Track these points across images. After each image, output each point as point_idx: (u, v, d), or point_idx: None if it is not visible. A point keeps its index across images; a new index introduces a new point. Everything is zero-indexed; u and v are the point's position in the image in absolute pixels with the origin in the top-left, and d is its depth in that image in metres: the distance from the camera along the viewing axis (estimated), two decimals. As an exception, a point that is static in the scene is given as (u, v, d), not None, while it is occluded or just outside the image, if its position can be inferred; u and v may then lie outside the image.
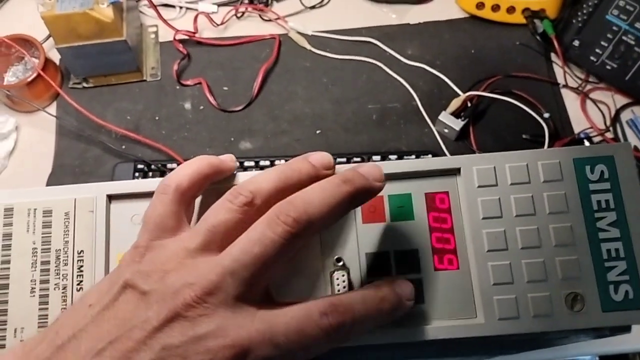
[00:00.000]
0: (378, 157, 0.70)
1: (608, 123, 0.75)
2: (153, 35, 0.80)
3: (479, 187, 0.37)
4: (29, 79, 0.72)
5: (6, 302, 0.37)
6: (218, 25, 0.81)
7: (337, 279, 0.37)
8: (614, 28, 0.73)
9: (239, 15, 0.82)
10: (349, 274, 0.37)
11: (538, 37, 0.77)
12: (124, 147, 0.73)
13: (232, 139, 0.74)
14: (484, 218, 0.37)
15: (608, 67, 0.74)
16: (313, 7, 0.83)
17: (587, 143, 0.72)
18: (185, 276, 0.30)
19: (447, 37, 0.80)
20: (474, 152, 0.72)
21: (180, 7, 0.83)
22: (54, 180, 0.71)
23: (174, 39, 0.79)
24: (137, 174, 0.70)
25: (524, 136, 0.74)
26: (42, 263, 0.37)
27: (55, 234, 0.37)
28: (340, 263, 0.37)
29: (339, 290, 0.37)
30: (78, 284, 0.37)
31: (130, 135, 0.73)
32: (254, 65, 0.78)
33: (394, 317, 0.33)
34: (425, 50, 0.79)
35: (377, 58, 0.78)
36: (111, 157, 0.73)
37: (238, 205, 0.31)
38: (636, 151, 0.69)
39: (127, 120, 0.75)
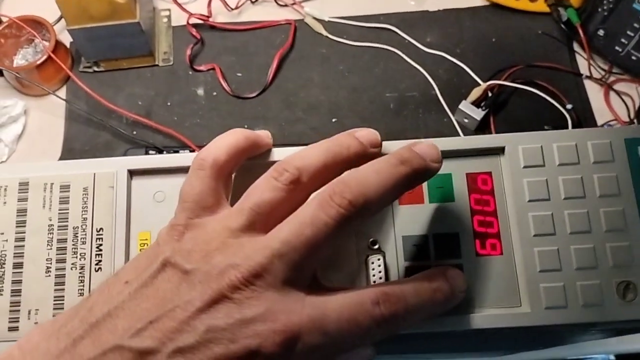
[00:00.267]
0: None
1: (632, 115, 0.73)
2: (166, 19, 0.78)
3: (525, 167, 0.35)
4: (39, 62, 0.70)
5: (20, 282, 0.34)
6: (232, 9, 0.79)
7: (372, 263, 0.35)
8: (642, 17, 0.71)
9: None
10: (384, 258, 0.35)
11: (563, 26, 0.75)
12: (135, 132, 0.71)
13: (246, 126, 0.72)
14: (530, 201, 0.35)
15: (634, 58, 0.72)
16: (329, -7, 0.81)
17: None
18: (230, 257, 0.28)
19: (468, 24, 0.78)
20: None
21: (194, -9, 0.80)
22: (62, 165, 0.69)
23: (187, 23, 0.77)
24: (148, 160, 0.68)
25: (545, 127, 0.71)
26: (59, 241, 0.35)
27: (73, 210, 0.35)
28: (376, 246, 0.35)
29: (374, 275, 0.34)
30: (96, 264, 0.35)
31: (142, 120, 0.70)
32: (268, 51, 0.76)
33: (445, 309, 0.32)
34: (445, 38, 0.77)
35: (395, 45, 0.76)
36: (122, 142, 0.71)
37: (284, 183, 0.30)
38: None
39: (138, 105, 0.73)
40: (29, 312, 0.34)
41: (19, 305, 0.34)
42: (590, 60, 0.74)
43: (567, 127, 0.70)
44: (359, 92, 0.74)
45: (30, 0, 0.79)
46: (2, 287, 0.34)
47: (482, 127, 0.71)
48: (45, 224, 0.35)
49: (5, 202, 0.36)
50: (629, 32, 0.71)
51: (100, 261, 0.35)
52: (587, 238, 0.34)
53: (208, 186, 0.31)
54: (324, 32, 0.77)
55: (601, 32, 0.73)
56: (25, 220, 0.35)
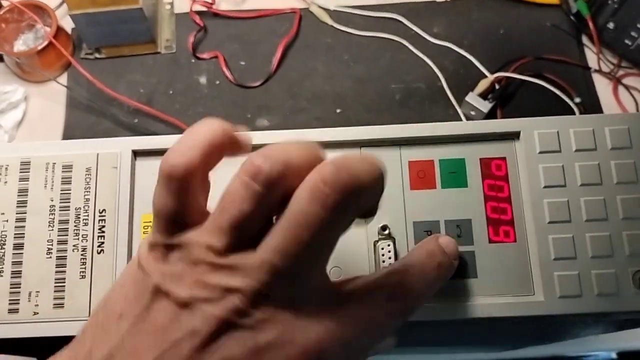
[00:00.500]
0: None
1: (640, 110, 0.72)
2: (169, 6, 0.77)
3: (541, 152, 0.34)
4: (40, 47, 0.69)
5: (20, 263, 0.33)
6: (236, -3, 0.78)
7: (382, 248, 0.34)
8: (653, 10, 0.70)
9: (258, -13, 0.79)
10: (394, 243, 0.34)
11: (572, 18, 0.74)
12: (136, 120, 0.70)
13: (249, 115, 0.71)
14: (545, 187, 0.34)
15: (643, 52, 0.71)
16: (335, -18, 0.80)
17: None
18: (225, 279, 0.25)
19: (476, 15, 0.77)
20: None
21: (197, -21, 0.79)
22: (62, 152, 0.68)
23: (191, 10, 0.76)
24: (149, 148, 0.67)
25: (553, 121, 0.71)
26: (60, 222, 0.34)
27: (75, 191, 0.34)
28: (386, 232, 0.34)
29: (383, 262, 0.34)
30: (99, 246, 0.34)
31: (143, 108, 0.69)
32: (273, 40, 0.75)
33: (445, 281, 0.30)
34: (452, 29, 0.76)
35: (401, 36, 0.75)
36: (123, 130, 0.70)
37: (263, 184, 0.25)
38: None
39: (139, 93, 0.72)
40: (30, 294, 0.33)
41: (19, 287, 0.33)
42: (599, 54, 0.73)
43: (574, 121, 0.69)
44: (364, 82, 0.73)
45: (32, -15, 0.78)
46: (2, 268, 0.33)
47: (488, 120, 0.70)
48: (46, 205, 0.34)
49: (6, 182, 0.35)
50: (639, 26, 0.70)
51: (102, 243, 0.34)
52: (603, 226, 0.33)
53: (182, 201, 0.27)
54: (330, 21, 0.76)
55: (611, 25, 0.72)
56: (26, 201, 0.34)
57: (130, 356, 0.25)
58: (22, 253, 0.33)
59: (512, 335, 0.50)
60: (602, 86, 0.73)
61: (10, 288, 0.33)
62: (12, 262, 0.33)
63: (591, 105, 0.72)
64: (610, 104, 0.72)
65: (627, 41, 0.72)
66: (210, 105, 0.72)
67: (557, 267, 0.33)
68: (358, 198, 0.25)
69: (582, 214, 0.34)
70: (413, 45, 0.75)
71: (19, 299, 0.33)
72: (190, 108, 0.71)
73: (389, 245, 0.34)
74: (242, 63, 0.74)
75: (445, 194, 0.35)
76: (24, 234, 0.34)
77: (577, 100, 0.70)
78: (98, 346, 0.26)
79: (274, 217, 0.26)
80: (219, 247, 0.25)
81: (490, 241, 0.34)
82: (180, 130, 0.68)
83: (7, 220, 0.34)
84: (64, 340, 0.28)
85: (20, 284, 0.33)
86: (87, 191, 0.34)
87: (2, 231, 0.34)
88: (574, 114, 0.70)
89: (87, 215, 0.34)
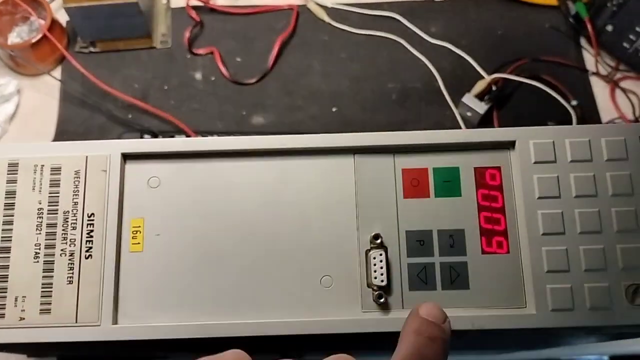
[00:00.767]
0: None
1: (637, 113, 0.71)
2: (165, 1, 0.76)
3: (536, 163, 0.34)
4: (34, 40, 0.68)
5: (7, 267, 0.33)
6: (233, -8, 0.77)
7: (374, 257, 0.33)
8: (651, 14, 0.69)
9: (255, -17, 0.79)
10: (386, 253, 0.34)
11: (571, 19, 0.74)
12: (130, 116, 0.70)
13: (244, 112, 0.71)
14: (539, 198, 0.34)
15: (642, 55, 0.71)
16: (333, -21, 0.79)
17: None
18: None
19: (474, 16, 0.77)
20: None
21: (194, -27, 0.79)
22: (55, 147, 0.67)
23: (187, 4, 0.75)
24: (143, 144, 0.66)
25: (549, 123, 0.70)
26: (48, 226, 0.33)
27: (64, 194, 0.34)
28: (378, 240, 0.34)
29: (375, 271, 0.33)
30: (87, 251, 0.33)
31: (138, 103, 0.69)
32: (269, 37, 0.74)
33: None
34: (450, 29, 0.76)
35: (399, 35, 0.75)
36: (116, 125, 0.69)
37: None
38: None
39: (134, 88, 0.71)
40: (16, 299, 0.33)
41: (6, 292, 0.33)
42: (597, 57, 0.73)
43: (571, 124, 0.69)
44: (360, 81, 0.73)
45: (26, -23, 0.77)
46: (-12, 272, 0.33)
47: (485, 121, 0.70)
48: (34, 208, 0.34)
49: (-7, 184, 0.34)
50: (638, 29, 0.70)
51: (90, 248, 0.33)
52: (597, 238, 0.33)
53: None
54: (327, 19, 0.75)
55: (609, 28, 0.72)
56: (13, 203, 0.34)
57: None
58: (8, 257, 0.33)
59: (502, 342, 0.50)
60: (600, 89, 0.73)
61: (-4, 292, 0.33)
62: (-1, 265, 0.33)
63: (588, 108, 0.71)
64: (607, 107, 0.72)
65: (625, 44, 0.71)
66: (205, 102, 0.71)
67: (550, 279, 0.33)
68: None
69: (576, 226, 0.33)
70: (410, 44, 0.74)
71: (5, 304, 0.32)
72: (184, 104, 0.71)
73: (381, 254, 0.33)
74: (238, 59, 0.74)
75: (439, 203, 0.34)
76: (11, 237, 0.33)
77: (574, 102, 0.70)
78: None
79: None
80: None
81: (483, 252, 0.34)
82: (174, 126, 0.68)
83: (-7, 223, 0.33)
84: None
85: (6, 288, 0.33)
86: (76, 194, 0.34)
87: (-12, 234, 0.33)
88: (570, 116, 0.69)
89: (76, 219, 0.33)
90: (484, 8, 0.77)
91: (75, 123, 0.69)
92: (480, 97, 0.70)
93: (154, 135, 0.67)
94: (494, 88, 0.70)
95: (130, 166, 0.35)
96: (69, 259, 0.33)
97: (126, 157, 0.35)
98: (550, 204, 0.33)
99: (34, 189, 0.34)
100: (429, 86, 0.72)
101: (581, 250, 0.33)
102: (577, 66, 0.74)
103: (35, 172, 0.34)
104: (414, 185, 0.35)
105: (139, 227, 0.34)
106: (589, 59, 0.74)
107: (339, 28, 0.75)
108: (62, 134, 0.68)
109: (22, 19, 0.72)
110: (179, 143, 0.35)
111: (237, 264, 0.34)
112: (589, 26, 0.72)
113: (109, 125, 0.69)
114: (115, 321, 0.33)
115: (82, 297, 0.33)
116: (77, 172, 0.34)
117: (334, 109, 0.71)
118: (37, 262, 0.33)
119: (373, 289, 0.33)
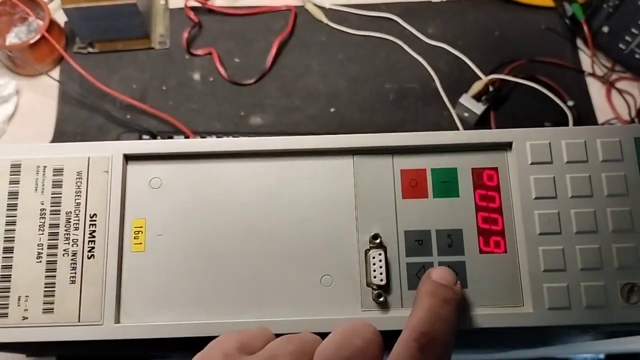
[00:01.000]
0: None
1: (633, 114, 0.72)
2: (163, 2, 0.76)
3: (532, 163, 0.34)
4: (33, 41, 0.68)
5: (10, 267, 0.33)
6: (232, -7, 0.78)
7: (374, 257, 0.34)
8: (647, 15, 0.70)
9: (253, -16, 0.79)
10: (385, 252, 0.34)
11: (567, 21, 0.74)
12: (128, 116, 0.70)
13: (242, 113, 0.71)
14: (536, 198, 0.34)
15: (637, 57, 0.71)
16: (331, -20, 0.80)
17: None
18: None
19: (471, 17, 0.77)
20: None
21: (192, -26, 0.79)
22: (54, 147, 0.68)
23: (185, 5, 0.75)
24: (142, 145, 0.66)
25: (546, 124, 0.71)
26: (51, 226, 0.34)
27: (66, 194, 0.34)
28: (377, 240, 0.34)
29: (374, 271, 0.34)
30: (89, 251, 0.33)
31: (136, 104, 0.69)
32: (267, 37, 0.75)
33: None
34: (447, 30, 0.76)
35: (396, 35, 0.75)
36: (115, 126, 0.70)
37: None
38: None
39: (132, 89, 0.72)
40: (19, 299, 0.33)
41: (9, 292, 0.33)
42: (593, 57, 0.74)
43: (567, 124, 0.70)
44: (358, 82, 0.73)
45: (25, -22, 0.77)
46: (-9, 271, 0.33)
47: (482, 122, 0.70)
48: (37, 208, 0.34)
49: (-4, 185, 0.34)
50: (633, 30, 0.71)
51: (93, 248, 0.34)
52: (593, 238, 0.34)
53: None
54: (325, 20, 0.76)
55: (605, 29, 0.72)
56: (16, 204, 0.34)
57: None
58: (11, 257, 0.33)
59: (499, 340, 0.50)
60: (596, 90, 0.74)
61: (0, 292, 0.33)
62: (2, 265, 0.33)
63: (584, 108, 0.72)
64: (603, 107, 0.72)
65: (621, 45, 0.72)
66: (203, 102, 0.71)
67: (547, 278, 0.33)
68: None
69: (572, 226, 0.34)
70: (408, 45, 0.75)
71: (8, 303, 0.33)
72: (183, 104, 0.71)
73: (380, 254, 0.34)
74: (237, 60, 0.74)
75: (437, 204, 0.35)
76: (14, 237, 0.33)
77: (570, 103, 0.70)
78: None
79: None
80: None
81: (481, 251, 0.34)
82: (173, 127, 0.68)
83: (-4, 223, 0.34)
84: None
85: (9, 288, 0.33)
86: (78, 195, 0.34)
87: (-9, 234, 0.34)
88: (567, 117, 0.70)
89: (78, 220, 0.34)
90: (481, 9, 0.78)
91: (74, 123, 0.70)
92: (477, 97, 0.70)
93: (153, 135, 0.67)
94: (491, 89, 0.71)
95: (132, 167, 0.35)
96: (72, 259, 0.33)
97: (128, 158, 0.35)
98: (547, 204, 0.34)
99: (36, 189, 0.34)
100: (427, 87, 0.73)
101: (577, 249, 0.33)
102: (573, 67, 0.74)
103: (37, 173, 0.34)
104: (413, 185, 0.35)
105: (141, 227, 0.34)
106: (585, 59, 0.75)
107: (337, 29, 0.76)
108: (61, 134, 0.69)
109: (21, 20, 0.72)
110: (180, 144, 0.35)
111: (238, 263, 0.34)
112: (585, 27, 0.73)
113: (108, 126, 0.70)
114: (117, 320, 0.33)
115: (85, 297, 0.33)
116: (79, 173, 0.34)
117: (331, 110, 0.71)
118: (40, 262, 0.33)
119: (372, 288, 0.34)
